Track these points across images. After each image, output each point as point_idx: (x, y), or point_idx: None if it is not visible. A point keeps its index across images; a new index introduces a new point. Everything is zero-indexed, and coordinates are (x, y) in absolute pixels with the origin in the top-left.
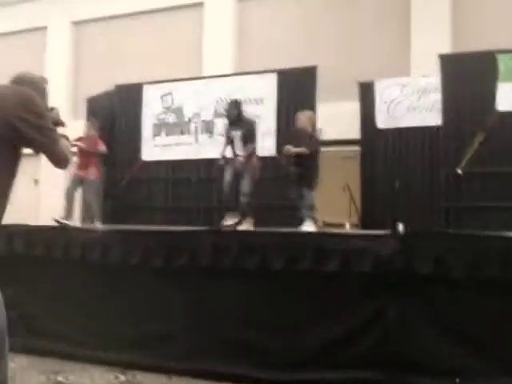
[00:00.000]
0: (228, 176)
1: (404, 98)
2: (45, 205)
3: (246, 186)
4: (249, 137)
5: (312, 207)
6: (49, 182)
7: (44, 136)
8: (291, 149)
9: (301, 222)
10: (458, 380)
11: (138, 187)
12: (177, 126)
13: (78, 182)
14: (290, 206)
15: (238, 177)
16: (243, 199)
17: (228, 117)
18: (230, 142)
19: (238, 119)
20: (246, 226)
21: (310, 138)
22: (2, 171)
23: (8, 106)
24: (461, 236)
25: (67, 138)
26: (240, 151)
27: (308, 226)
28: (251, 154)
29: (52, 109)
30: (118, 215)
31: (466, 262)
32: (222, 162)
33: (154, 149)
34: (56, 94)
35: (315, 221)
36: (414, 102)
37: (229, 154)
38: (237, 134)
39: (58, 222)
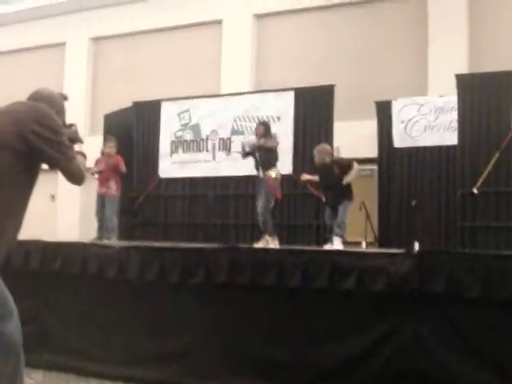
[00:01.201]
0: (257, 201)
1: (421, 117)
2: (61, 220)
3: (262, 206)
4: (272, 160)
5: (343, 225)
6: (65, 197)
7: (58, 152)
8: (306, 176)
9: (326, 240)
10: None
11: (154, 204)
12: (194, 143)
13: (101, 200)
14: (308, 225)
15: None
16: (262, 217)
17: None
18: (256, 162)
19: (262, 136)
20: (259, 244)
21: (341, 169)
22: (16, 185)
23: (21, 119)
24: (476, 255)
25: (84, 156)
26: (261, 173)
27: (336, 245)
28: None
29: (70, 125)
30: (135, 231)
31: (480, 281)
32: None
33: (171, 166)
34: (74, 110)
35: (344, 239)
36: (431, 121)
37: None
38: (259, 154)
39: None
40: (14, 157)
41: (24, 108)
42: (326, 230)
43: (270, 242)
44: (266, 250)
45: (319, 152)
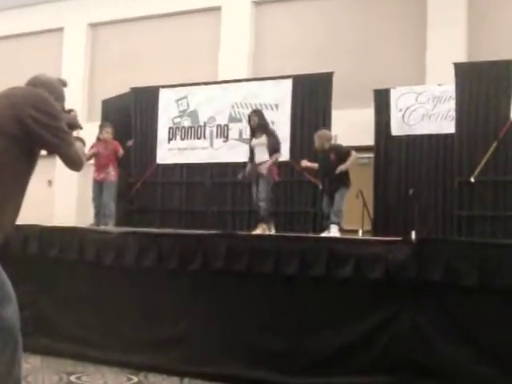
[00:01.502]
0: (254, 188)
1: (419, 105)
2: (58, 206)
3: (263, 192)
4: (274, 147)
5: (340, 213)
6: (62, 183)
7: (56, 137)
8: (306, 163)
9: (323, 227)
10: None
11: (152, 190)
12: (192, 129)
13: (99, 186)
14: (304, 212)
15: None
16: (261, 204)
17: (250, 127)
18: (251, 152)
19: (260, 128)
20: (258, 230)
21: (337, 155)
22: (13, 169)
23: (18, 103)
24: (473, 244)
25: (83, 141)
26: (260, 159)
27: (333, 232)
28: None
29: (70, 111)
30: (132, 218)
31: (478, 269)
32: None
33: (169, 152)
34: (71, 96)
35: (340, 227)
36: (428, 109)
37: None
38: (255, 144)
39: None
40: (10, 142)
41: (22, 93)
42: (324, 218)
43: (268, 229)
44: (263, 237)
45: (319, 137)
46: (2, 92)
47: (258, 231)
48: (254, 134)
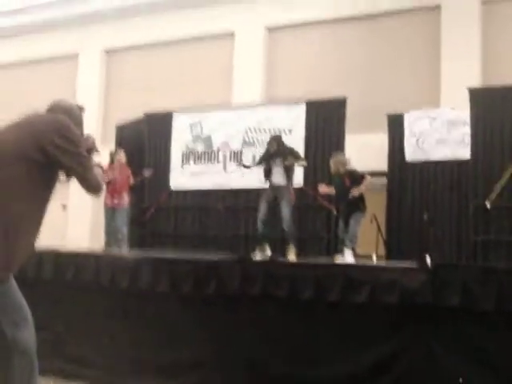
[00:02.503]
0: (264, 208)
1: (433, 130)
2: (72, 230)
3: (286, 212)
4: (294, 155)
5: (354, 238)
6: (76, 207)
7: (77, 163)
8: (324, 188)
9: (337, 251)
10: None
11: (165, 215)
12: (205, 154)
13: (111, 212)
14: (318, 237)
15: (275, 204)
16: (286, 225)
17: (268, 153)
18: (268, 173)
19: (278, 152)
20: (290, 256)
21: (352, 181)
22: (33, 195)
23: (41, 131)
24: (489, 269)
25: (101, 167)
26: (279, 181)
27: (347, 256)
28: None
29: (88, 137)
30: (145, 243)
31: (494, 294)
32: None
33: (183, 177)
34: (86, 121)
35: (354, 252)
36: (443, 134)
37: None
38: (277, 166)
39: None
40: (32, 167)
41: (43, 119)
42: (338, 242)
43: (291, 252)
44: (278, 263)
45: (335, 163)
46: (24, 118)
47: (291, 256)
48: (272, 158)
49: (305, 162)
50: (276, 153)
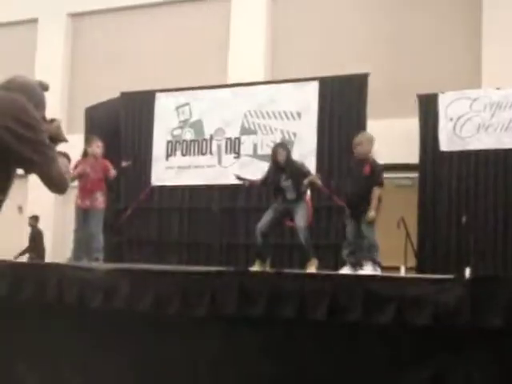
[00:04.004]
0: (267, 218)
1: (474, 114)
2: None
3: (301, 221)
4: (302, 178)
5: (373, 247)
6: (35, 209)
7: (36, 152)
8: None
9: (344, 263)
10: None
11: (146, 218)
12: (195, 143)
13: (83, 215)
14: (334, 245)
15: (286, 215)
16: (303, 235)
17: (275, 163)
18: (279, 192)
19: (286, 164)
20: (310, 269)
21: (373, 172)
22: None
23: None
24: None
25: (68, 157)
26: (292, 196)
27: (369, 271)
28: (306, 190)
29: (52, 121)
30: (122, 252)
31: None
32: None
33: (167, 171)
34: (48, 102)
35: (379, 264)
36: (486, 119)
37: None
38: (287, 184)
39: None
40: None
41: None
42: (346, 247)
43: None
44: (284, 275)
45: (369, 141)
46: None
47: (311, 270)
48: (281, 171)
49: (319, 178)
50: (286, 165)
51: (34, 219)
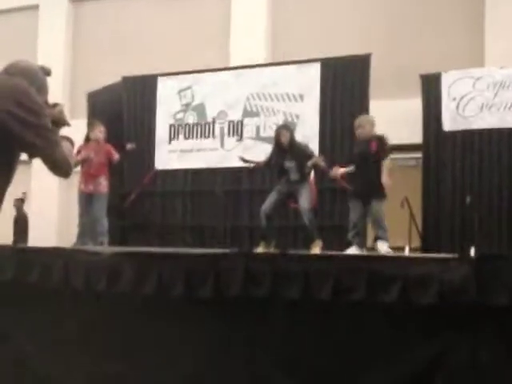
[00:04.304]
0: (271, 200)
1: (477, 93)
2: (35, 222)
3: (304, 202)
4: (306, 159)
5: (384, 226)
6: (40, 195)
7: (39, 137)
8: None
9: (349, 243)
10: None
11: (150, 202)
12: (198, 127)
13: (88, 200)
14: (338, 226)
15: (286, 200)
16: (307, 216)
17: (278, 145)
18: (282, 173)
19: (289, 146)
20: (314, 250)
21: (379, 146)
22: None
23: None
24: None
25: (71, 141)
26: (295, 177)
27: (383, 250)
28: (310, 172)
29: (55, 105)
30: (127, 235)
31: None
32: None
33: (170, 155)
34: (50, 87)
35: (388, 243)
36: (489, 98)
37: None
38: (291, 165)
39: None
40: None
41: None
42: (352, 229)
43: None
44: (288, 256)
45: (361, 122)
46: None
47: (315, 251)
48: (284, 152)
49: (322, 159)
50: (290, 147)
51: (20, 201)
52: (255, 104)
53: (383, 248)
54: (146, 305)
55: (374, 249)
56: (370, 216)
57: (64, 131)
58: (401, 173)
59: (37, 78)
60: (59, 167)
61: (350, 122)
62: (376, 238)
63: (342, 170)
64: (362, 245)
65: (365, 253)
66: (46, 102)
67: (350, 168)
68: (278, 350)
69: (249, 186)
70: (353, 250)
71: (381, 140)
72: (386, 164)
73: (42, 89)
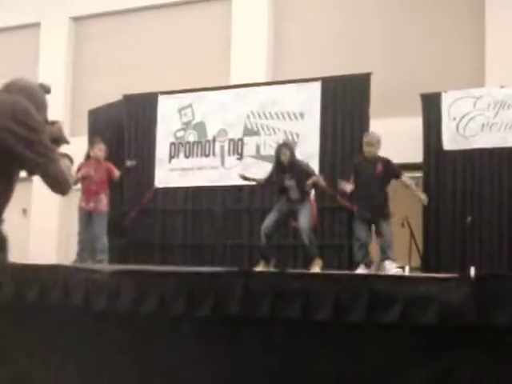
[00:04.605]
0: (271, 219)
1: (478, 113)
2: (35, 239)
3: (304, 221)
4: (306, 178)
5: (392, 246)
6: (40, 212)
7: (38, 154)
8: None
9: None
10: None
11: (150, 220)
12: (198, 145)
13: (88, 217)
14: (338, 246)
15: (290, 216)
16: (307, 235)
17: (279, 163)
18: (283, 191)
19: (289, 164)
20: (314, 269)
21: (386, 169)
22: None
23: None
24: None
25: (70, 159)
26: (296, 195)
27: (392, 270)
28: (310, 191)
29: (54, 123)
30: (127, 254)
31: None
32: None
33: (171, 173)
34: (51, 105)
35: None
36: (489, 117)
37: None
38: (291, 184)
39: (243, 177)
40: None
41: None
42: (357, 249)
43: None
44: (288, 276)
45: (369, 140)
46: None
47: (315, 270)
48: (285, 170)
49: (322, 178)
50: (290, 165)
51: None
52: (255, 122)
53: (392, 268)
54: (146, 323)
55: (380, 269)
56: (379, 237)
57: (64, 148)
58: (401, 192)
59: (36, 95)
60: (57, 184)
61: (351, 140)
62: (385, 258)
63: (351, 187)
64: (370, 265)
65: (373, 272)
66: (46, 120)
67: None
68: (278, 369)
69: (249, 205)
70: (361, 270)
71: (388, 162)
72: (406, 180)
73: (41, 106)
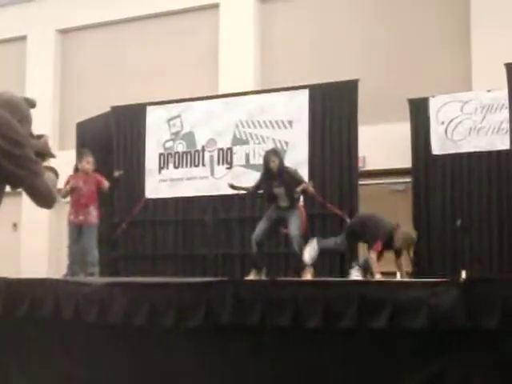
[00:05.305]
0: (261, 228)
1: (465, 117)
2: (26, 253)
3: (295, 229)
4: (295, 185)
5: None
6: (30, 226)
7: (21, 167)
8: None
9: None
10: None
11: (140, 231)
12: (187, 155)
13: (77, 231)
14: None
15: (279, 223)
16: (297, 243)
17: (267, 170)
18: (272, 199)
19: (278, 172)
20: (306, 276)
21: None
22: None
23: None
24: None
25: (55, 172)
26: (285, 203)
27: (354, 275)
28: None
29: (39, 136)
30: (117, 265)
31: None
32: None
33: (161, 184)
34: (38, 118)
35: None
36: (477, 121)
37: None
38: (280, 191)
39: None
40: None
41: None
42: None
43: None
44: (278, 284)
45: (404, 238)
46: None
47: (307, 277)
48: (273, 178)
49: (311, 185)
50: (279, 172)
51: None
52: (244, 131)
53: (355, 274)
54: (138, 334)
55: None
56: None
57: (53, 162)
58: (391, 197)
59: (19, 109)
60: (42, 198)
61: (340, 147)
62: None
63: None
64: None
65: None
66: (31, 134)
67: None
68: (269, 377)
69: (239, 214)
70: (354, 275)
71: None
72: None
73: (25, 120)
